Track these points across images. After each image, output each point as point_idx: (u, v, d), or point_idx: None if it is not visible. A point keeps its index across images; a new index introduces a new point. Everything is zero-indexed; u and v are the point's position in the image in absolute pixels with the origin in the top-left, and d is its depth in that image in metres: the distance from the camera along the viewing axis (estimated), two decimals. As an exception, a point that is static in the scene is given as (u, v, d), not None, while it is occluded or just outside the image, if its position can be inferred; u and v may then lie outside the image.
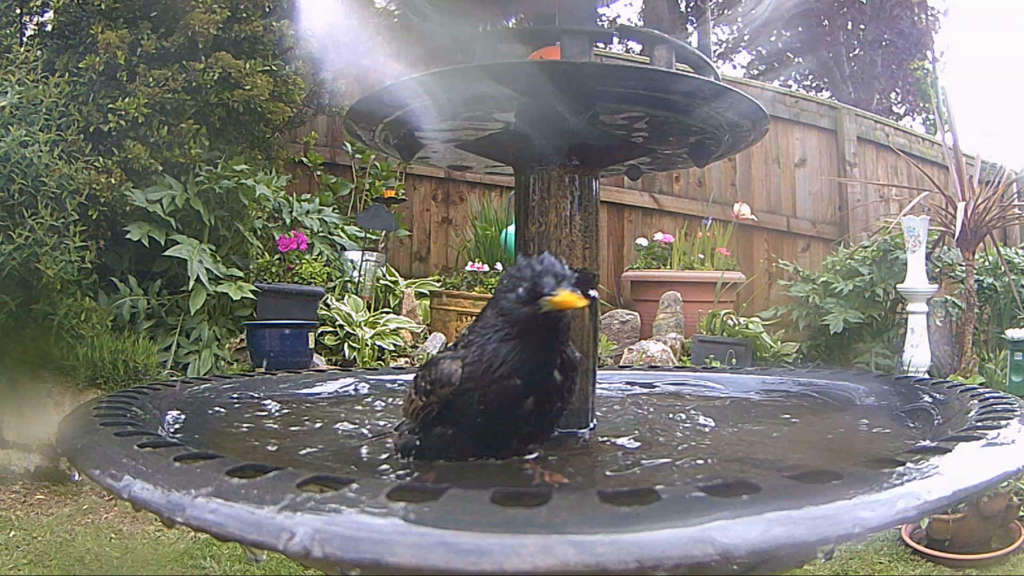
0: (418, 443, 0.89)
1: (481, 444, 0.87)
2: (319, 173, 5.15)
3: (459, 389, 0.84)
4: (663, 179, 6.25)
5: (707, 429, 1.09)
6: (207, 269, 3.45)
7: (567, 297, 0.80)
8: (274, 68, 3.88)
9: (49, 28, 3.84)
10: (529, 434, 0.88)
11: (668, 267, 5.14)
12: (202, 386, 1.26)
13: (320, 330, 3.79)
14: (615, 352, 4.34)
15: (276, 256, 4.01)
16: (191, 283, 3.38)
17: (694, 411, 1.21)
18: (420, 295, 4.63)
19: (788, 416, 1.22)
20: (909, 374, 3.48)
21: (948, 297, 4.61)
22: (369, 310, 4.13)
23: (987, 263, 4.73)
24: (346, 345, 3.78)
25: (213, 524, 0.54)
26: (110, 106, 3.36)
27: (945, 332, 4.52)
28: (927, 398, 1.09)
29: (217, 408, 1.20)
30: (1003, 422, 0.76)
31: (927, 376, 2.23)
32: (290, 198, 4.52)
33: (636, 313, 4.81)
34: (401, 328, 4.05)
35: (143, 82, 3.42)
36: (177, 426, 1.04)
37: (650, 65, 1.20)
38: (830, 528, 0.50)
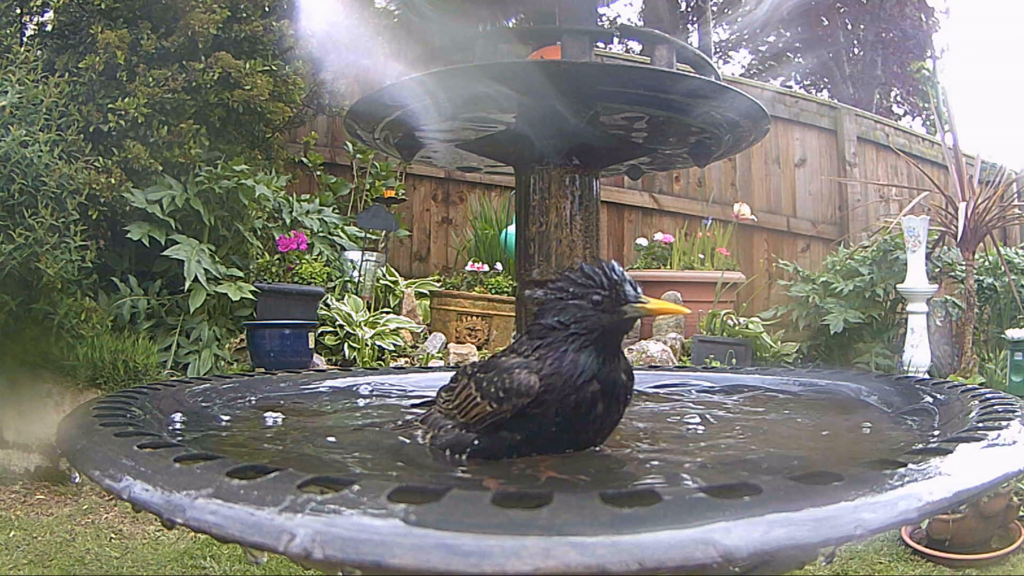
0: (476, 443, 0.89)
1: (549, 446, 0.87)
2: (319, 173, 5.15)
3: (538, 400, 0.84)
4: (663, 179, 6.25)
5: (701, 430, 1.09)
6: (205, 269, 3.45)
7: (660, 304, 0.85)
8: (274, 68, 3.88)
9: (49, 28, 3.84)
10: (596, 432, 0.89)
11: (668, 267, 5.14)
12: (202, 386, 1.25)
13: (320, 330, 3.79)
14: (615, 352, 4.33)
15: (276, 256, 4.01)
16: (187, 284, 3.38)
17: (692, 410, 1.21)
18: (420, 295, 4.63)
19: (788, 416, 1.21)
20: (909, 374, 3.49)
21: (948, 297, 4.61)
22: (369, 310, 4.13)
23: (987, 263, 4.73)
24: (346, 345, 3.78)
25: (213, 525, 0.54)
26: (110, 106, 3.36)
27: (945, 332, 4.52)
28: (927, 398, 1.09)
29: (222, 408, 1.20)
30: (1004, 423, 0.76)
31: (927, 376, 2.23)
32: (290, 198, 4.52)
33: (636, 313, 4.80)
34: (401, 328, 4.05)
35: (143, 82, 3.42)
36: (179, 427, 1.04)
37: (651, 65, 1.20)
38: (832, 529, 0.49)
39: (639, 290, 0.85)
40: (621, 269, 0.86)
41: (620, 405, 0.88)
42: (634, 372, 0.92)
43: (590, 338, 0.85)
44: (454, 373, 0.97)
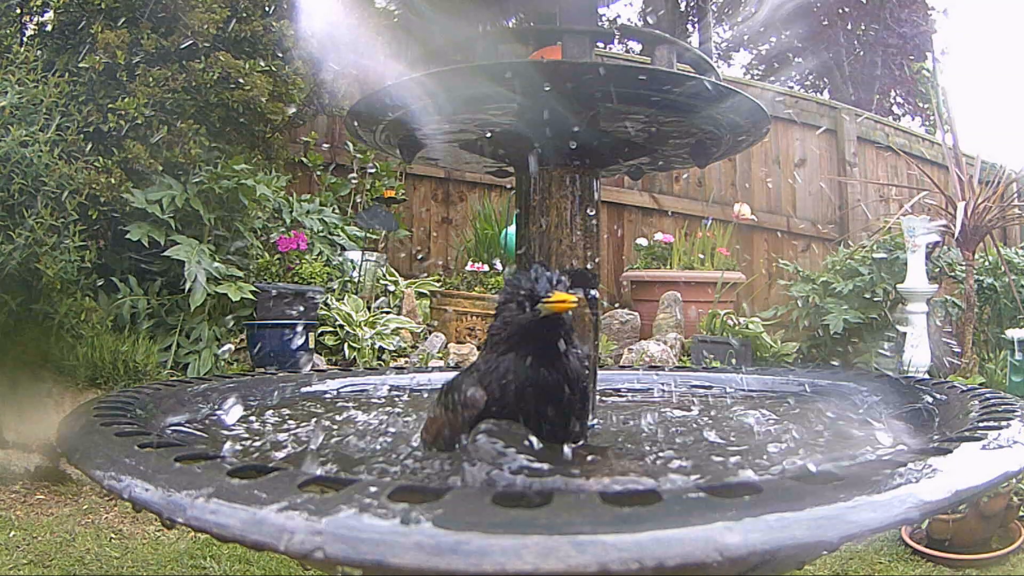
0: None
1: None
2: (319, 173, 5.15)
3: (484, 412, 0.85)
4: (663, 179, 6.25)
5: (701, 429, 1.09)
6: (205, 270, 3.45)
7: (560, 296, 0.83)
8: (274, 68, 3.88)
9: (49, 28, 3.84)
10: (563, 429, 0.88)
11: (668, 267, 5.14)
12: (202, 386, 1.25)
13: (320, 330, 3.79)
14: (615, 352, 4.34)
15: (276, 256, 4.01)
16: (187, 285, 3.38)
17: (688, 411, 1.21)
18: (420, 295, 4.63)
19: (788, 416, 1.21)
20: (909, 374, 3.49)
21: (948, 297, 4.61)
22: (369, 310, 4.13)
23: (987, 263, 4.73)
24: (346, 345, 3.77)
25: (214, 525, 0.54)
26: (110, 106, 3.36)
27: (945, 332, 4.52)
28: (928, 398, 1.09)
29: (232, 408, 1.20)
30: (1004, 423, 0.76)
31: (927, 376, 2.23)
32: (290, 198, 4.52)
33: (636, 313, 4.81)
34: (401, 328, 4.05)
35: (143, 82, 3.42)
36: (180, 428, 1.04)
37: (652, 65, 1.20)
38: (831, 529, 0.50)
39: (560, 285, 0.85)
40: (546, 270, 0.87)
41: (567, 406, 0.87)
42: (587, 371, 0.91)
43: (516, 340, 0.86)
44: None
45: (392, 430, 1.09)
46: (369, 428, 1.12)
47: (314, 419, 1.20)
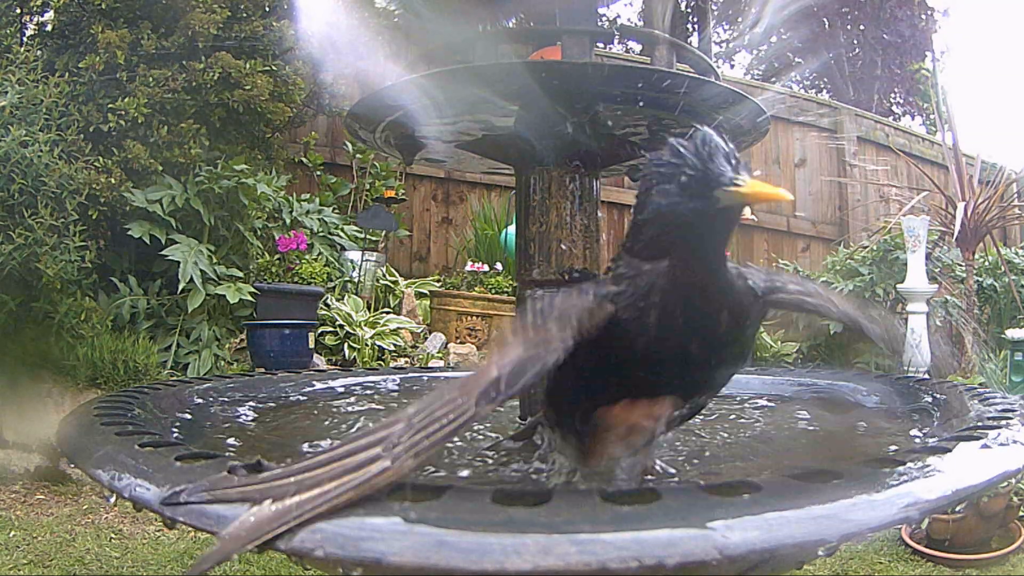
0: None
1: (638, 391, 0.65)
2: (319, 173, 5.15)
3: (606, 337, 0.61)
4: (663, 179, 6.23)
5: (702, 428, 1.09)
6: (202, 271, 3.45)
7: (758, 186, 0.59)
8: (274, 68, 3.88)
9: (49, 28, 3.84)
10: (703, 377, 0.67)
11: (668, 267, 5.13)
12: (202, 386, 1.25)
13: (320, 330, 3.79)
14: (615, 352, 4.33)
15: (276, 256, 4.01)
16: (180, 286, 3.38)
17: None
18: (420, 295, 4.63)
19: (788, 416, 1.22)
20: (909, 374, 3.48)
21: (948, 297, 4.61)
22: (369, 310, 4.13)
23: (987, 263, 4.73)
24: (346, 345, 3.78)
25: (213, 524, 0.54)
26: (110, 106, 3.36)
27: (945, 332, 4.52)
28: (928, 398, 1.09)
29: (224, 408, 1.20)
30: (1004, 422, 0.76)
31: (927, 376, 2.23)
32: (290, 198, 4.52)
33: (636, 313, 4.80)
34: (401, 328, 4.05)
35: (143, 82, 3.42)
36: (182, 428, 1.04)
37: (652, 65, 1.20)
38: (831, 528, 0.50)
39: (743, 167, 0.60)
40: (718, 138, 0.62)
41: (720, 343, 0.64)
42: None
43: (669, 241, 0.63)
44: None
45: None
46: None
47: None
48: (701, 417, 1.15)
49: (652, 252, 0.64)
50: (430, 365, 3.75)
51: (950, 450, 0.64)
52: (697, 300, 0.63)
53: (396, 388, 1.47)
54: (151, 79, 3.44)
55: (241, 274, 3.70)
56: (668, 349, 0.63)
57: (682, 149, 0.63)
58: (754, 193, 0.60)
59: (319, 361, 3.64)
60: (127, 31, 3.46)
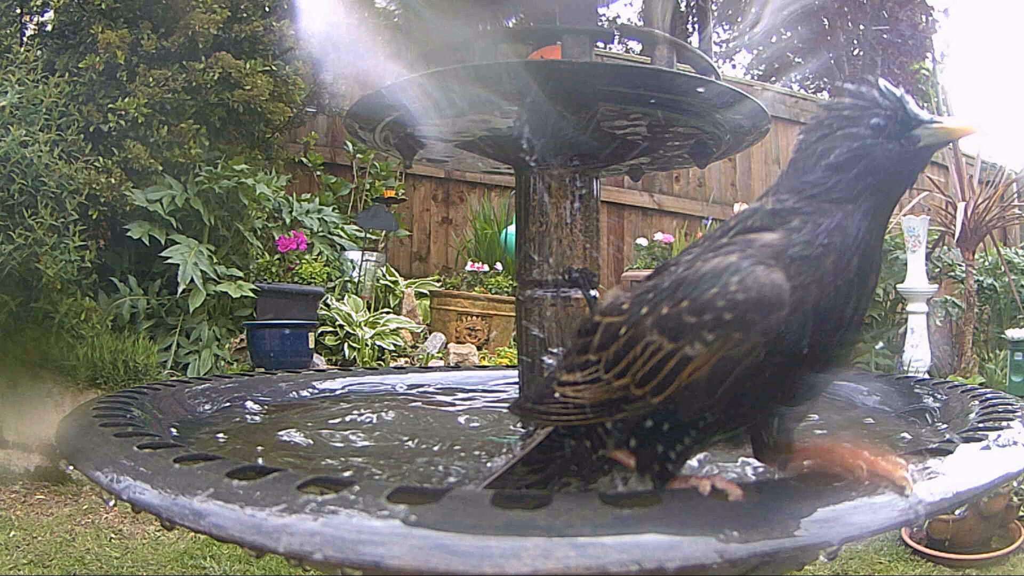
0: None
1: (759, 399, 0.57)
2: (319, 173, 5.15)
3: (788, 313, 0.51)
4: (663, 179, 6.24)
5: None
6: (202, 271, 3.44)
7: (956, 121, 0.58)
8: (274, 68, 3.88)
9: (49, 28, 3.84)
10: (847, 340, 0.58)
11: (668, 267, 5.13)
12: (202, 386, 1.25)
13: (320, 330, 3.79)
14: (615, 352, 4.33)
15: (276, 256, 4.01)
16: (180, 288, 3.38)
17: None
18: (420, 295, 4.63)
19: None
20: (909, 374, 3.49)
21: (948, 297, 4.61)
22: (369, 310, 4.13)
23: (987, 263, 4.73)
24: (346, 345, 3.77)
25: (212, 526, 0.54)
26: (110, 106, 3.36)
27: (945, 332, 4.52)
28: (928, 399, 1.09)
29: (225, 407, 1.20)
30: (1004, 423, 0.76)
31: (927, 376, 2.23)
32: (290, 198, 4.52)
33: (636, 313, 4.79)
34: (401, 328, 4.05)
35: (143, 82, 3.42)
36: (180, 430, 1.04)
37: (652, 65, 1.20)
38: (832, 530, 0.49)
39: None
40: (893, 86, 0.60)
41: (865, 304, 0.57)
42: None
43: (861, 187, 0.57)
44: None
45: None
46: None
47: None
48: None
49: (833, 197, 0.57)
50: (430, 365, 3.75)
51: (952, 452, 0.64)
52: (869, 251, 0.57)
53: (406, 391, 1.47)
54: (151, 79, 3.43)
55: (241, 274, 3.70)
56: (835, 309, 0.55)
57: (872, 91, 0.60)
58: (957, 128, 0.58)
59: (319, 361, 3.64)
60: (127, 31, 3.46)
